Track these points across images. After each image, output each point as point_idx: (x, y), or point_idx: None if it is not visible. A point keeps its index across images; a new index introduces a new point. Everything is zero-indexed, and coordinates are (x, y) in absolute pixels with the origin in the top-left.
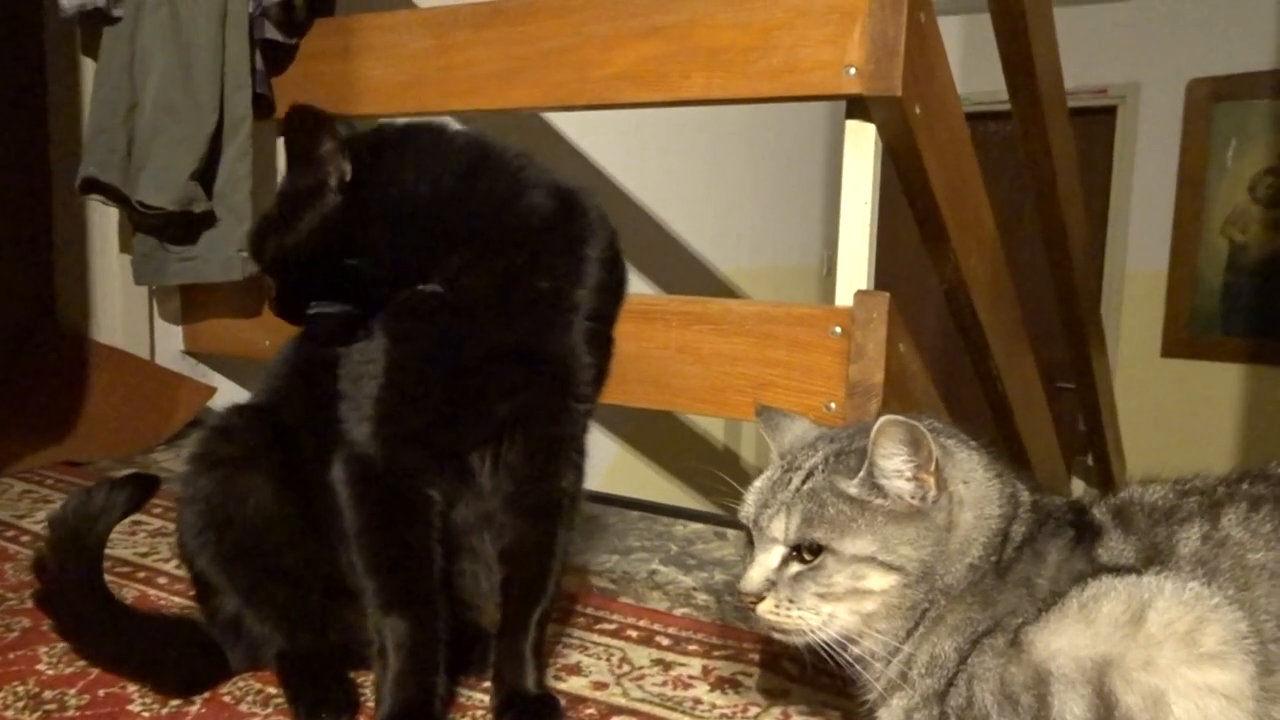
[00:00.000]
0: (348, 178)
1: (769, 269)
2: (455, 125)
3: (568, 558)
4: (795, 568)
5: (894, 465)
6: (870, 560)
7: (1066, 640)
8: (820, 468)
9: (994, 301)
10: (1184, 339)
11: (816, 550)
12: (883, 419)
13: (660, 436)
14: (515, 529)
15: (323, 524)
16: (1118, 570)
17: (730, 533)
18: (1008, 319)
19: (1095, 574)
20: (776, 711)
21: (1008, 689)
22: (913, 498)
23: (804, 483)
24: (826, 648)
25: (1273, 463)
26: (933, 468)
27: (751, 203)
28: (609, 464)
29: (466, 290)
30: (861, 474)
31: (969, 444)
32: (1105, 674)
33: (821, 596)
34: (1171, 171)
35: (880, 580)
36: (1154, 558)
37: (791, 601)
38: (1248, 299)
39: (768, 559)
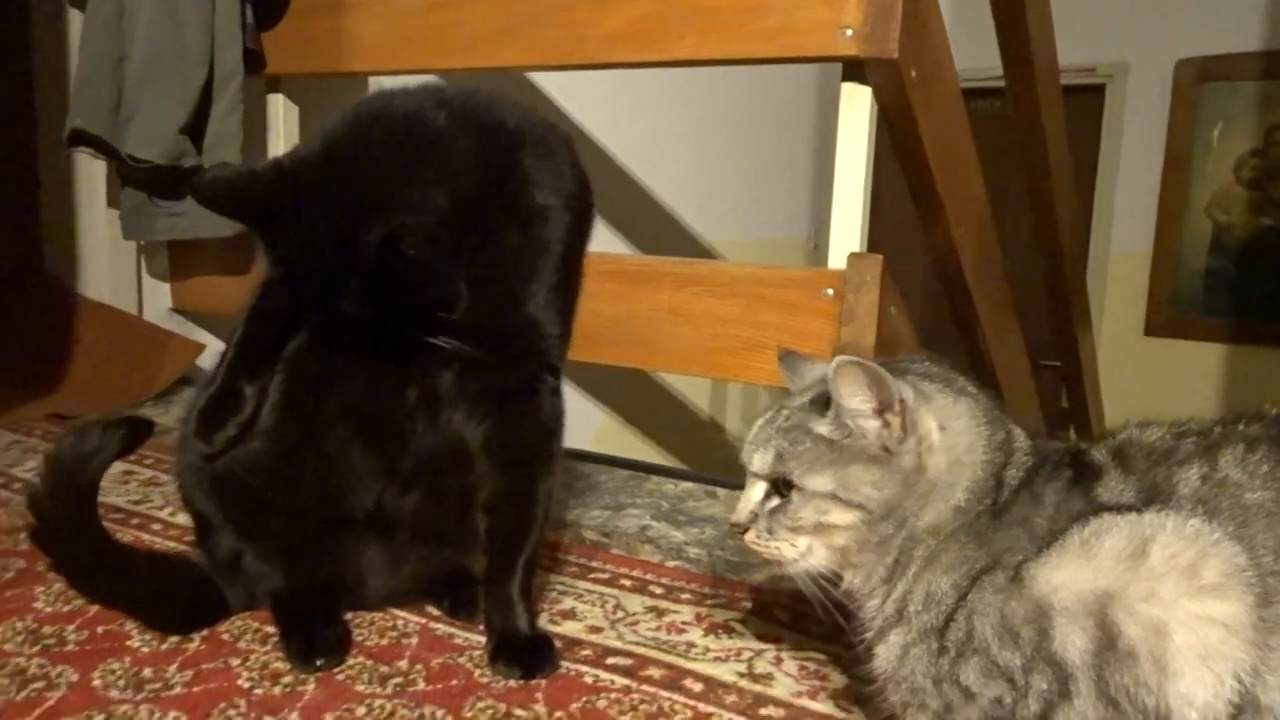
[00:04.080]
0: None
1: (755, 242)
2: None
3: (550, 506)
4: (774, 501)
5: (854, 405)
6: (831, 497)
7: (1068, 575)
8: (801, 407)
9: (982, 270)
10: (1167, 319)
11: (789, 485)
12: (838, 359)
13: (646, 404)
14: (495, 478)
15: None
16: (1118, 509)
17: (721, 491)
18: (995, 288)
19: (1094, 513)
20: (769, 656)
21: (1008, 623)
22: (879, 438)
23: (786, 420)
24: (816, 581)
25: (1267, 404)
26: (897, 409)
27: (739, 175)
28: (595, 431)
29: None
30: (830, 413)
31: (963, 390)
32: (1107, 606)
33: (792, 530)
34: (1158, 152)
35: (842, 516)
36: (1153, 497)
37: (769, 533)
38: (1230, 280)
39: (752, 492)
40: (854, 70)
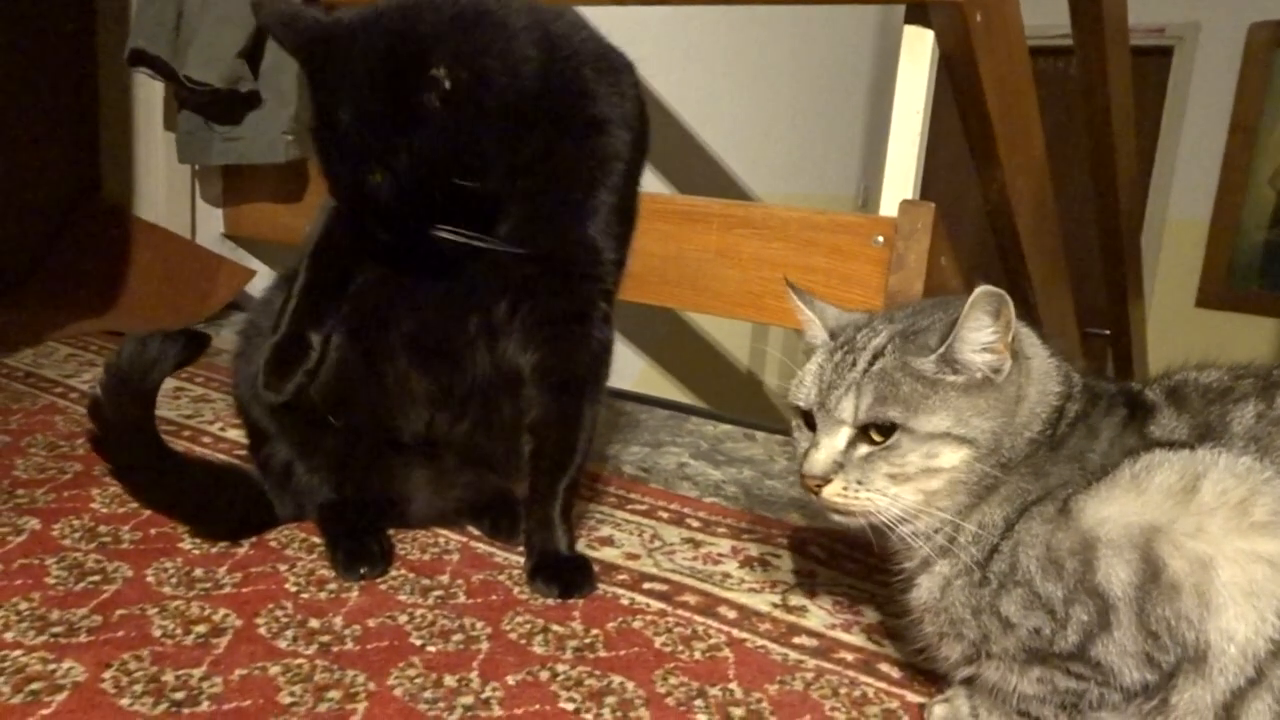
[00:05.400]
0: (446, 86)
1: (803, 195)
2: None
3: (594, 432)
4: (864, 449)
5: (982, 336)
6: (945, 436)
7: (1116, 508)
8: (889, 348)
9: (1037, 227)
10: (1220, 290)
11: (888, 430)
12: (980, 289)
13: (686, 353)
14: (542, 403)
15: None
16: (1171, 445)
17: (760, 434)
18: (1049, 247)
19: (1147, 448)
20: (803, 589)
21: (1053, 554)
22: (991, 369)
23: (872, 363)
24: (885, 527)
25: None
26: (1010, 338)
27: (790, 127)
28: (635, 378)
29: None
30: (940, 350)
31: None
32: (1153, 540)
33: (892, 477)
34: (1224, 118)
35: (952, 456)
36: (1207, 435)
37: (860, 483)
38: None
39: (833, 441)
40: (917, 13)
